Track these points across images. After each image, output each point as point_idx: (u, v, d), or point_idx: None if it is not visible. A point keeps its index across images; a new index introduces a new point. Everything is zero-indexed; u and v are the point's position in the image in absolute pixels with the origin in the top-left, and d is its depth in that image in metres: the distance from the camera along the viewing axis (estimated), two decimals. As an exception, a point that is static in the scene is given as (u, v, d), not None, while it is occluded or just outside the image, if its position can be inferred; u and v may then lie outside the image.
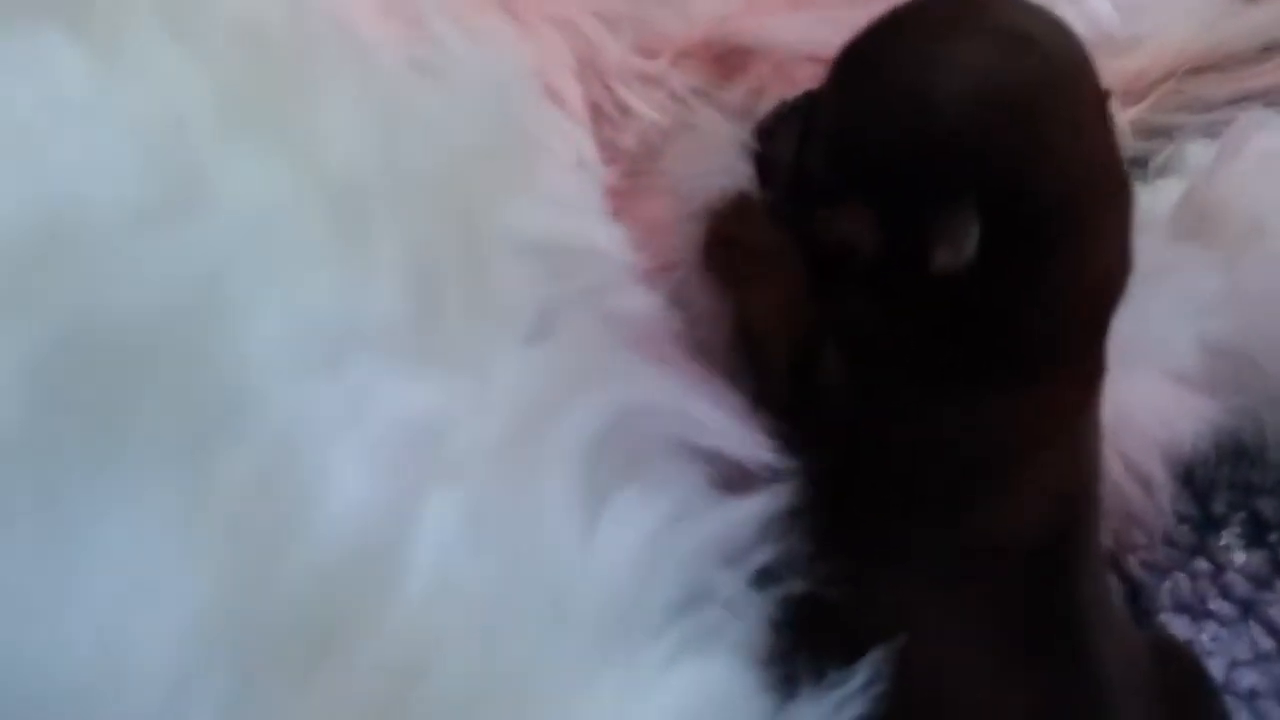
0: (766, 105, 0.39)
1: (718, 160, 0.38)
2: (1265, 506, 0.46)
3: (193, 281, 0.26)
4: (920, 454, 0.35)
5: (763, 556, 0.31)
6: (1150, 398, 0.43)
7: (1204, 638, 0.44)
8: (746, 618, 0.30)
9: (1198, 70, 0.52)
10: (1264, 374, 0.44)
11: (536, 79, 0.37)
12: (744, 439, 0.32)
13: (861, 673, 0.31)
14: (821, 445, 0.35)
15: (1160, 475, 0.44)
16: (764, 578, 0.31)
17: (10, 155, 0.26)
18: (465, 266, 0.30)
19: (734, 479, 0.32)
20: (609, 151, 0.38)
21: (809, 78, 0.41)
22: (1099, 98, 0.33)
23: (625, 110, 0.39)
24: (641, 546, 0.28)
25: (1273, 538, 0.45)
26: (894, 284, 0.33)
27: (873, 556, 0.35)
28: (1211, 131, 0.51)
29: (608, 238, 0.34)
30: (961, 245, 0.30)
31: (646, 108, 0.39)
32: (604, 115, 0.39)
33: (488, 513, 0.27)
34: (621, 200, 0.37)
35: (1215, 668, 0.43)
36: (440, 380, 0.28)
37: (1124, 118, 0.51)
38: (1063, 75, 0.32)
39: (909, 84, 0.31)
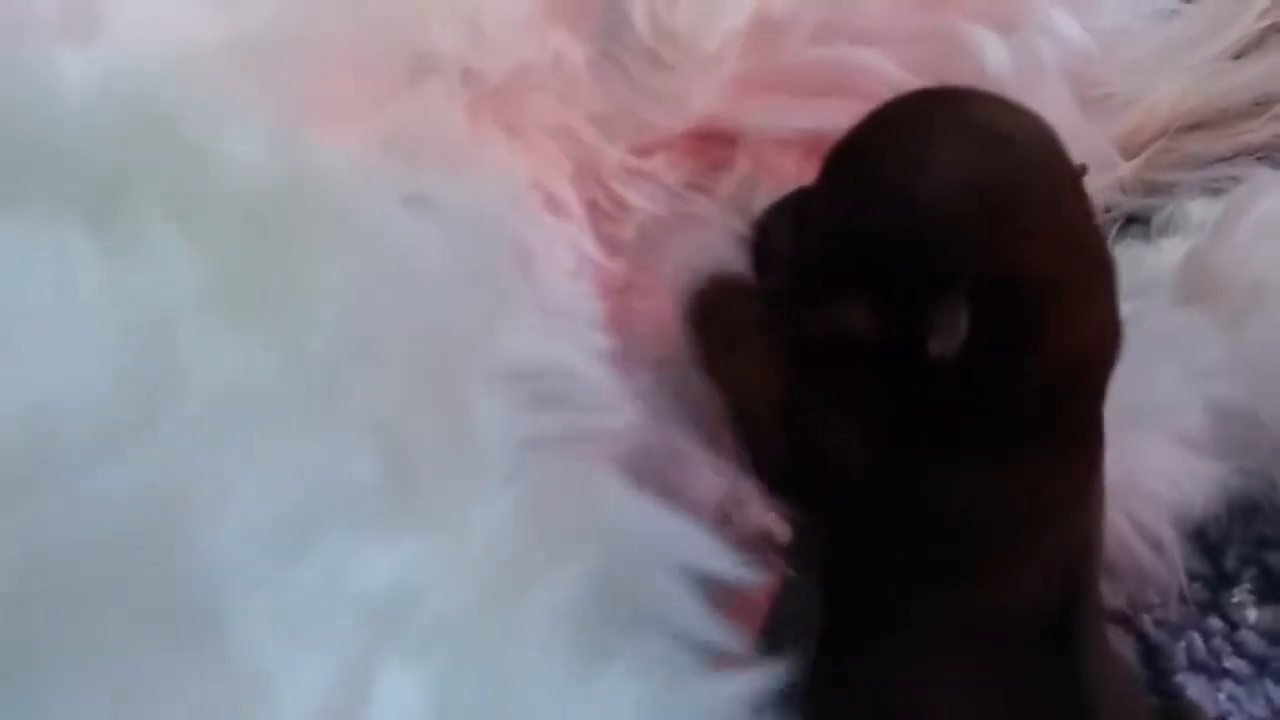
0: (756, 195, 0.41)
1: (714, 250, 0.38)
2: (1276, 562, 0.46)
3: (152, 495, 0.27)
4: (925, 522, 0.35)
5: None
6: (1158, 461, 0.44)
7: (1221, 696, 0.44)
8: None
9: (1192, 127, 0.53)
10: (1271, 435, 0.44)
11: (536, 190, 0.38)
12: (743, 562, 0.32)
13: None
14: (820, 518, 0.36)
15: (1170, 535, 0.44)
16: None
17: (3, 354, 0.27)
18: (439, 413, 0.31)
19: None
20: (610, 246, 0.39)
21: (790, 164, 0.42)
22: (1073, 176, 0.35)
23: (623, 205, 0.40)
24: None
25: (1286, 595, 0.46)
26: (895, 366, 0.34)
27: (876, 631, 0.35)
28: (1210, 188, 0.51)
29: (592, 355, 0.34)
30: (953, 334, 0.32)
31: (643, 201, 0.40)
32: (602, 212, 0.40)
33: (457, 695, 0.27)
34: (621, 297, 0.38)
35: (1231, 727, 0.43)
36: (412, 543, 0.29)
37: (1121, 174, 0.52)
38: (1037, 163, 0.34)
39: (894, 185, 0.33)
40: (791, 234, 0.36)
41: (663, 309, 0.38)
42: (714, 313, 0.39)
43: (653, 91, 0.40)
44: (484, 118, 0.38)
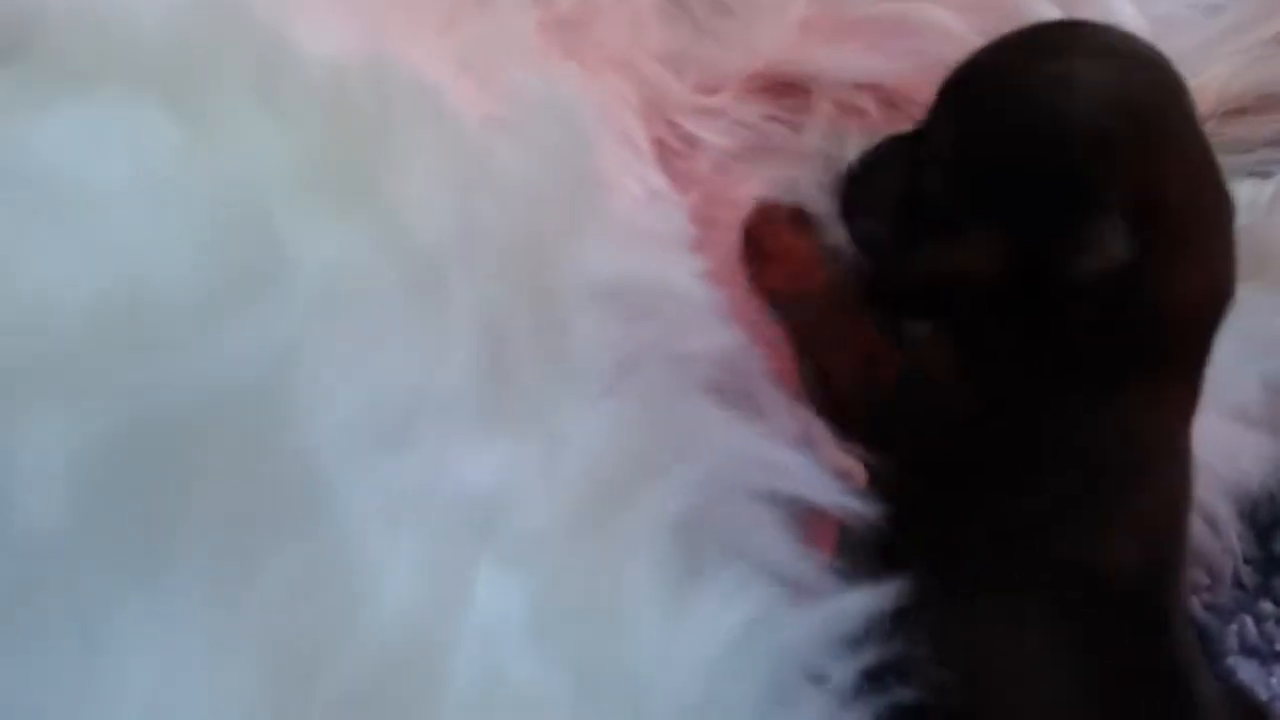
0: (844, 138, 0.39)
1: (801, 180, 0.37)
2: (1329, 546, 0.45)
3: (257, 368, 0.26)
4: (1018, 468, 0.34)
5: (856, 659, 0.29)
6: (1215, 437, 0.43)
7: (1273, 681, 0.43)
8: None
9: (1238, 111, 0.53)
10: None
11: (604, 121, 0.36)
12: (834, 488, 0.30)
13: None
14: (900, 462, 0.34)
15: (1226, 514, 0.43)
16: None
17: (86, 229, 0.25)
18: (538, 321, 0.30)
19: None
20: (683, 181, 0.38)
21: (871, 108, 0.41)
22: (1195, 110, 0.34)
23: (693, 143, 0.39)
24: (731, 645, 0.27)
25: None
26: (1013, 300, 0.33)
27: (958, 586, 0.34)
28: (1257, 171, 0.51)
29: (686, 274, 0.33)
30: (1112, 250, 0.31)
31: (714, 136, 0.39)
32: (670, 149, 0.38)
33: (555, 604, 0.26)
34: (704, 228, 0.37)
35: (1284, 712, 0.42)
36: (510, 448, 0.27)
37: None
38: (1174, 89, 0.34)
39: (1043, 103, 0.32)
40: (897, 175, 0.35)
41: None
42: (775, 242, 0.37)
43: (718, 34, 0.39)
44: (551, 44, 0.37)
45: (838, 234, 0.38)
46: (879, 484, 0.35)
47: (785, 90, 0.40)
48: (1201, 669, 0.34)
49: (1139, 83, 0.33)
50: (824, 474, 0.31)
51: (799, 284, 0.36)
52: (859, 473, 0.35)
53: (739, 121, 0.39)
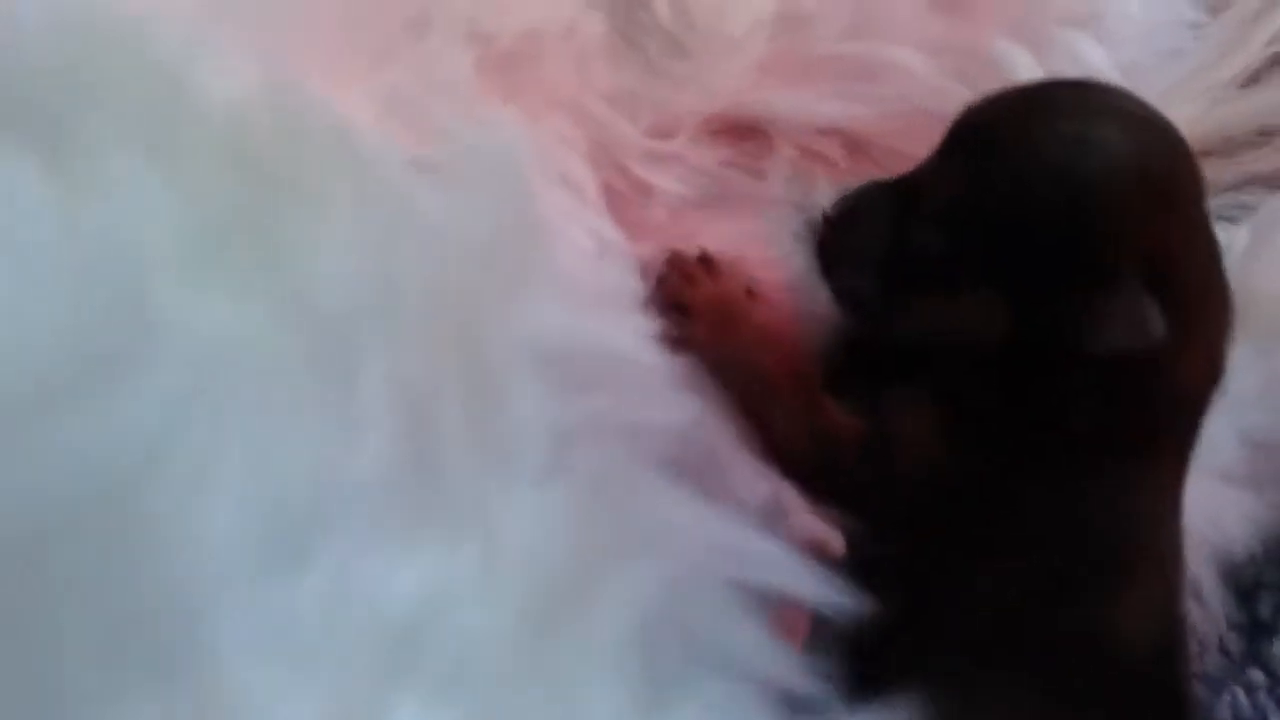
0: (809, 185, 0.37)
1: (769, 234, 0.35)
2: (1314, 608, 0.43)
3: (116, 470, 0.21)
4: (1022, 535, 0.32)
5: None
6: (1197, 498, 0.41)
7: (1267, 753, 0.41)
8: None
9: (1201, 155, 0.51)
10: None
11: (547, 165, 0.33)
12: (809, 575, 0.27)
13: None
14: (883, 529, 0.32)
15: (1210, 580, 0.41)
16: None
17: None
18: (468, 397, 0.26)
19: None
20: (636, 231, 0.35)
21: (836, 154, 0.39)
22: (1202, 178, 0.33)
23: (645, 190, 0.36)
24: None
25: (1323, 642, 0.42)
26: (1011, 368, 0.31)
27: (961, 657, 0.31)
28: (1224, 215, 0.50)
29: (635, 337, 0.30)
30: (1144, 325, 0.29)
31: (669, 183, 0.36)
32: (622, 198, 0.35)
33: None
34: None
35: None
36: (435, 555, 0.23)
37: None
38: (1186, 156, 0.32)
39: (1063, 167, 0.30)
40: (882, 226, 0.33)
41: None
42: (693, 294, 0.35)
43: (672, 74, 0.37)
44: (491, 83, 0.34)
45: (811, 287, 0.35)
46: (856, 552, 0.32)
47: (744, 134, 0.37)
48: None
49: (1156, 150, 0.31)
50: (797, 559, 0.28)
51: (724, 336, 0.33)
52: (836, 541, 0.32)
53: (696, 168, 0.36)
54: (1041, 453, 0.31)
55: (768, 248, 0.35)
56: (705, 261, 0.34)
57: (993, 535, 0.32)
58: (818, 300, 0.35)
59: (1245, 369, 0.44)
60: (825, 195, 0.36)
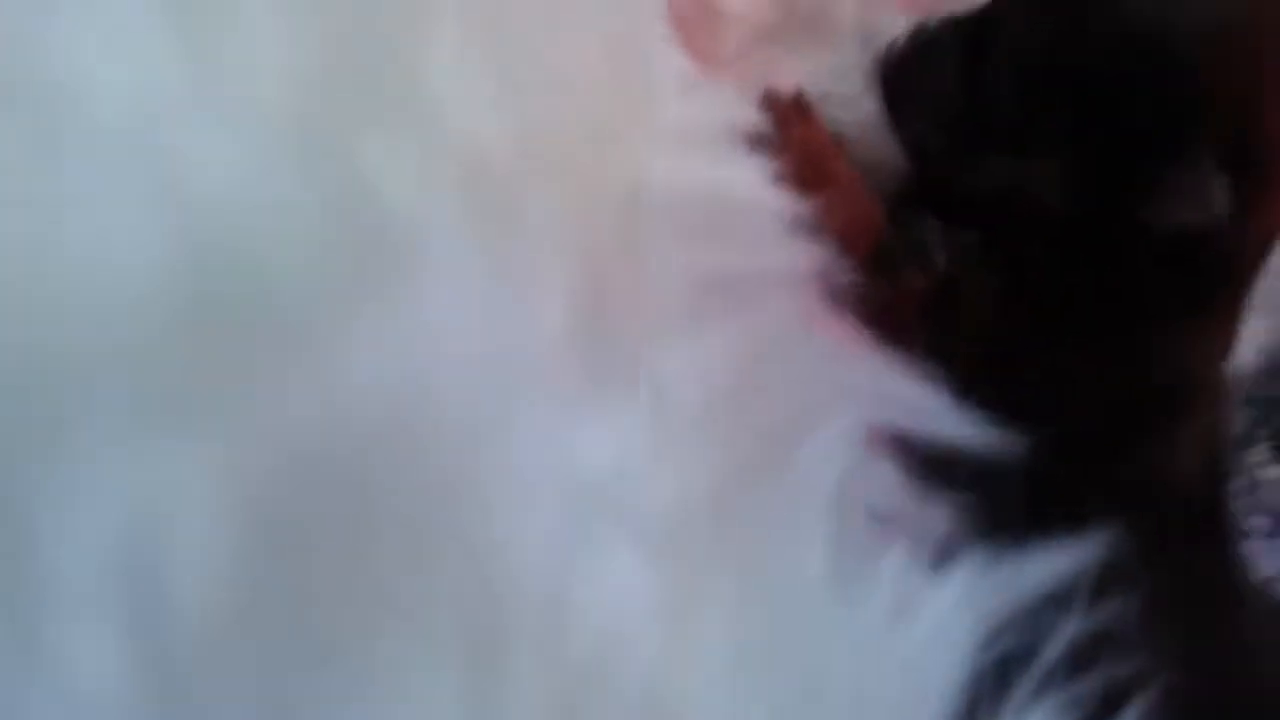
0: (872, 15, 0.35)
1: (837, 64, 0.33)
2: (1286, 420, 0.47)
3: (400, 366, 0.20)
4: (1084, 388, 0.33)
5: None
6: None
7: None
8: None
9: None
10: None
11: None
12: (961, 420, 0.27)
13: None
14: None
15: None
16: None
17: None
18: (624, 248, 0.25)
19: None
20: (712, 63, 0.33)
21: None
22: None
23: (716, 18, 0.34)
24: (935, 630, 0.23)
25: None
26: (1078, 231, 0.31)
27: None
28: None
29: (756, 180, 0.29)
30: (1210, 202, 0.30)
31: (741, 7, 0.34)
32: (693, 22, 0.33)
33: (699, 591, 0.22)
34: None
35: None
36: (620, 415, 0.23)
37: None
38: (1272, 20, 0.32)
39: (1150, 32, 0.30)
40: (954, 72, 0.32)
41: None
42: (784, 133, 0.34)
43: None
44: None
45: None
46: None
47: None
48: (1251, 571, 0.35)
49: (1246, 18, 0.31)
50: (957, 409, 0.28)
51: (809, 186, 0.33)
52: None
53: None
54: (1103, 314, 0.32)
55: (839, 84, 0.34)
56: (799, 103, 0.33)
57: (1045, 395, 0.32)
58: (888, 145, 0.34)
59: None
60: (897, 28, 0.34)
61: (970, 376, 0.32)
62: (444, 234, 0.22)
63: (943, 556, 0.25)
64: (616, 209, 0.25)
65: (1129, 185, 0.30)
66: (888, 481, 0.26)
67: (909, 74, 0.33)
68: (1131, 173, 0.30)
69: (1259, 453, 0.46)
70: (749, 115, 0.31)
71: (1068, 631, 0.24)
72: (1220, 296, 0.33)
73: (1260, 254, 0.33)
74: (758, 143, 0.30)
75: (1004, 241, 0.32)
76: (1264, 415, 0.46)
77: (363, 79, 0.23)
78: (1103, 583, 0.28)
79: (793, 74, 0.34)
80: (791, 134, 0.32)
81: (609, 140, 0.26)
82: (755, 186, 0.29)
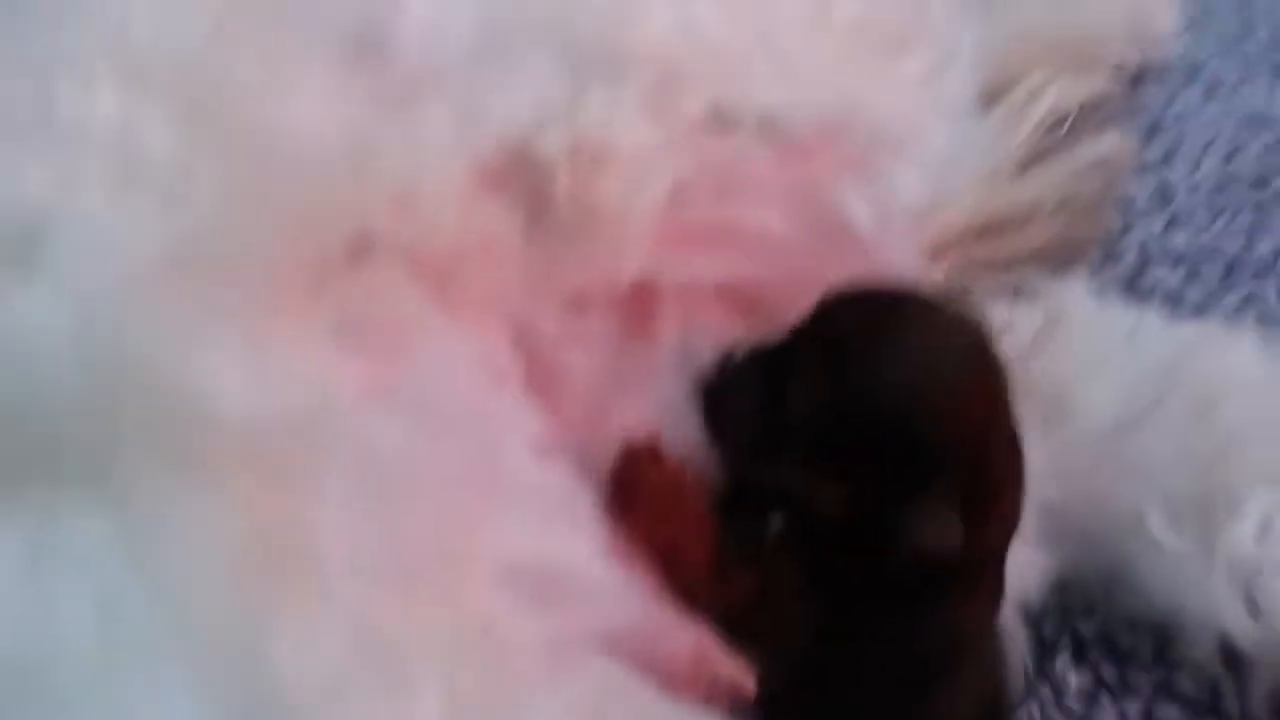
0: (695, 346, 0.42)
1: (670, 413, 0.39)
2: (1085, 628, 0.53)
3: None
4: (869, 667, 0.39)
5: None
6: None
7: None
8: None
9: (980, 235, 0.59)
10: (1079, 527, 0.51)
11: (483, 366, 0.37)
12: None
13: None
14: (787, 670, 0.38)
15: (1017, 626, 0.50)
16: None
17: None
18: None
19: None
20: (557, 417, 0.38)
21: (712, 312, 0.43)
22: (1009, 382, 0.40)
23: (561, 372, 0.40)
24: None
25: (1093, 655, 0.53)
26: (859, 538, 0.38)
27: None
28: (1006, 293, 0.58)
29: (593, 549, 0.34)
30: (944, 538, 0.37)
31: (583, 359, 0.40)
32: (540, 382, 0.39)
33: None
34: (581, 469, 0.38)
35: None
36: None
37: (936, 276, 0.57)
38: (994, 365, 0.40)
39: (891, 394, 0.38)
40: (758, 396, 0.38)
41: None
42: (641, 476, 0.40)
43: (581, 256, 0.40)
44: (424, 294, 0.36)
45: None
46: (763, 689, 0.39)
47: (642, 303, 0.42)
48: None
49: (971, 372, 0.38)
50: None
51: (663, 527, 0.39)
52: (749, 683, 0.38)
53: (605, 344, 0.40)
54: (880, 598, 0.38)
55: (668, 417, 0.40)
56: (652, 449, 0.39)
57: (851, 660, 0.39)
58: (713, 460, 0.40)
59: (1030, 444, 0.53)
60: (711, 360, 0.41)
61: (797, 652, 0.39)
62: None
63: None
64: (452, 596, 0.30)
65: (883, 510, 0.37)
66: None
67: (719, 399, 0.40)
68: (884, 501, 0.37)
69: (1062, 662, 0.52)
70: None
71: None
72: (963, 588, 0.39)
73: (988, 559, 0.40)
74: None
75: (800, 537, 0.38)
76: (1062, 627, 0.53)
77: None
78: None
79: (630, 414, 0.39)
80: (647, 477, 0.39)
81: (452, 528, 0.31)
82: (594, 556, 0.34)
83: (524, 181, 0.38)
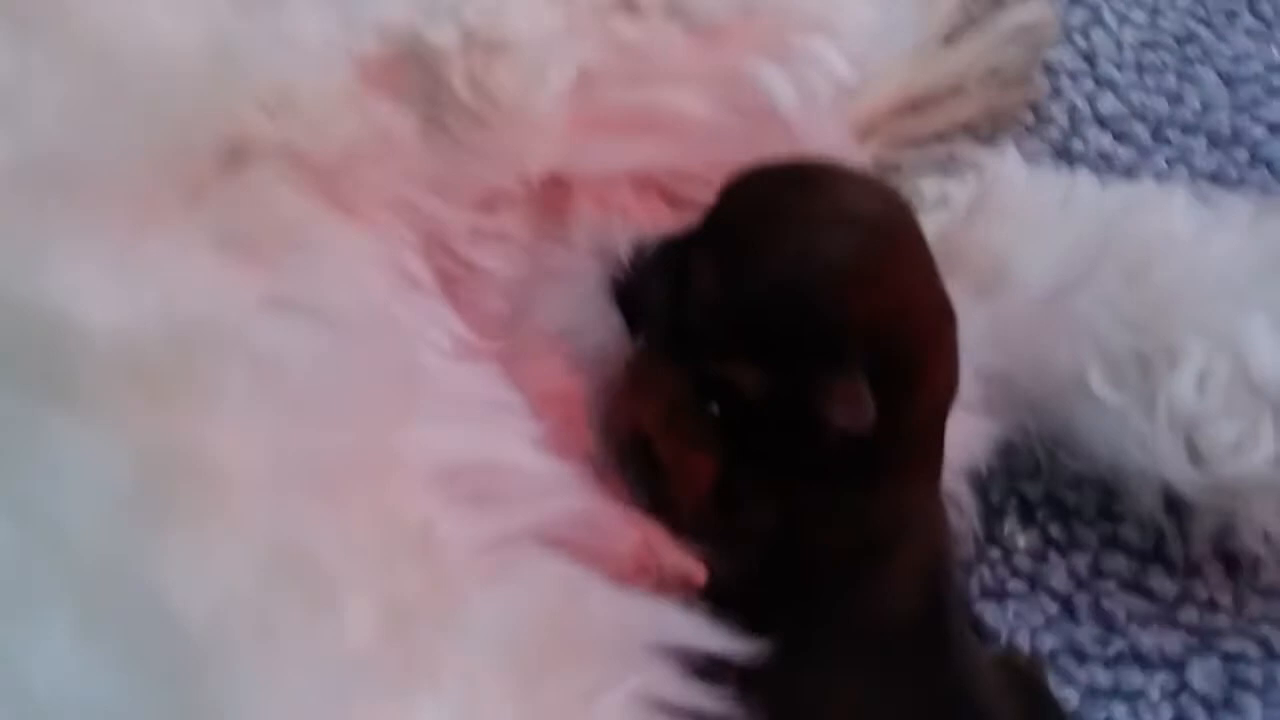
0: (609, 235, 0.41)
1: (590, 310, 0.39)
2: (1030, 491, 0.54)
3: None
4: (810, 551, 0.39)
5: None
6: (950, 428, 0.50)
7: (1009, 615, 0.52)
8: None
9: (910, 109, 0.59)
10: (1021, 392, 0.52)
11: (388, 268, 0.36)
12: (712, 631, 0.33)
13: None
14: (739, 557, 0.39)
15: (965, 493, 0.51)
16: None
17: None
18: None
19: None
20: (478, 319, 0.38)
21: (628, 199, 0.43)
22: (923, 237, 0.39)
23: (477, 273, 0.39)
24: None
25: (1039, 516, 0.54)
26: (783, 419, 0.37)
27: (783, 649, 0.39)
28: (938, 167, 0.58)
29: (525, 442, 0.34)
30: (858, 413, 0.36)
31: (497, 263, 0.39)
32: (456, 283, 0.39)
33: None
34: (506, 368, 0.38)
35: (1022, 639, 0.51)
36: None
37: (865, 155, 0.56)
38: (906, 239, 0.39)
39: (793, 271, 0.37)
40: (666, 289, 0.38)
41: (550, 374, 0.38)
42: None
43: (485, 152, 0.39)
44: (315, 198, 0.35)
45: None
46: (716, 579, 0.39)
47: (552, 193, 0.41)
48: (981, 673, 0.41)
49: (875, 243, 0.37)
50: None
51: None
52: (699, 572, 0.38)
53: (521, 245, 0.39)
54: (815, 476, 0.38)
55: (587, 313, 0.39)
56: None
57: (786, 557, 0.39)
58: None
59: (968, 314, 0.53)
60: (623, 253, 0.40)
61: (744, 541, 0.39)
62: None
63: None
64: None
65: (798, 389, 0.36)
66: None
67: (631, 293, 0.39)
68: (797, 379, 0.36)
69: (1010, 524, 0.53)
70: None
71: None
72: (899, 461, 0.39)
73: (921, 430, 0.39)
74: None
75: (734, 424, 0.38)
76: (1008, 491, 0.54)
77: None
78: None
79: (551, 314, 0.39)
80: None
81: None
82: (530, 451, 0.34)
83: (416, 77, 0.37)
